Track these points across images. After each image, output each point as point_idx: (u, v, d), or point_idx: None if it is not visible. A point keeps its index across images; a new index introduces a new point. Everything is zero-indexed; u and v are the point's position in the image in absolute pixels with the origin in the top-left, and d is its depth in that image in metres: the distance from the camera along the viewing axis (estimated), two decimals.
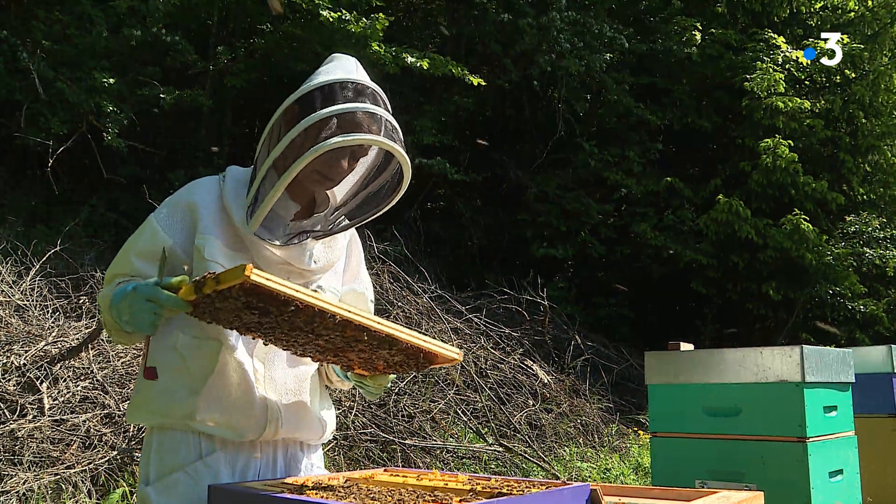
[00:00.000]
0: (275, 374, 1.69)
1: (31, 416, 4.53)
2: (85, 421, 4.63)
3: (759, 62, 10.26)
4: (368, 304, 1.91)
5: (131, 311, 1.49)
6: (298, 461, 1.77)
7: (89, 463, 4.37)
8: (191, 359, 1.62)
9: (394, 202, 1.70)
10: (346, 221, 1.73)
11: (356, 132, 1.52)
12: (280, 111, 1.58)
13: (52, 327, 5.36)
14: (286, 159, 1.53)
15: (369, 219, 1.73)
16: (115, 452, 4.50)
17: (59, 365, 4.98)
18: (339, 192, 1.79)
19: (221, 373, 1.62)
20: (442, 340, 7.92)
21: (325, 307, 1.37)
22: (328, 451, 5.32)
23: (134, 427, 4.66)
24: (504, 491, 1.40)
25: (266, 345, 1.57)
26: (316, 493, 1.41)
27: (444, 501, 1.33)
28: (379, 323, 1.44)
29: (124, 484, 4.27)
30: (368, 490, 1.47)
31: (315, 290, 1.66)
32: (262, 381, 1.67)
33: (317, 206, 1.77)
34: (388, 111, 1.60)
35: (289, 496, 1.34)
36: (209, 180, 1.74)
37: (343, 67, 1.64)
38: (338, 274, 1.83)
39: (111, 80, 7.26)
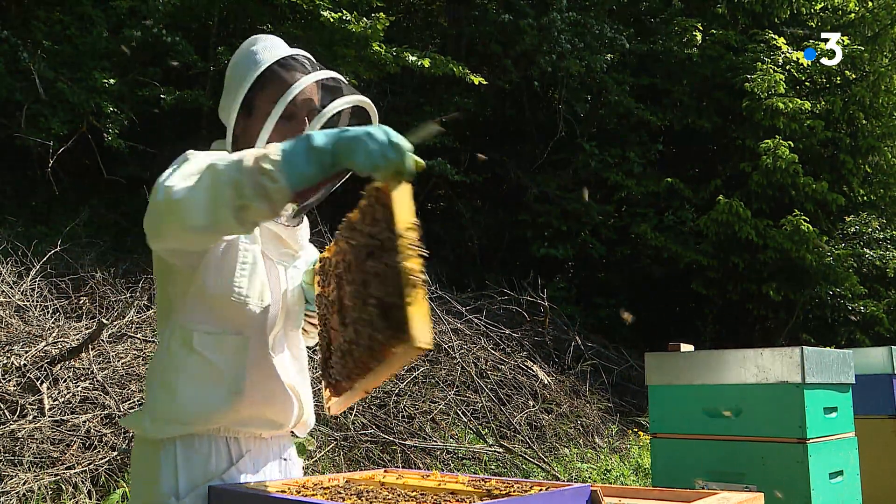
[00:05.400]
0: (284, 361, 1.68)
1: (31, 417, 4.53)
2: (85, 421, 4.63)
3: (759, 63, 10.27)
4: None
5: (347, 145, 1.23)
6: (285, 452, 1.75)
7: (89, 463, 4.37)
8: (216, 357, 1.54)
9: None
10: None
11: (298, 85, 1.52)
12: (236, 107, 1.56)
13: (53, 328, 5.36)
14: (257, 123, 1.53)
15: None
16: (115, 453, 4.50)
17: (59, 365, 4.98)
18: None
19: (256, 366, 1.56)
20: (442, 341, 7.84)
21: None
22: (328, 451, 5.32)
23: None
24: (504, 492, 1.39)
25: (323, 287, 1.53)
26: (316, 494, 1.41)
27: (444, 502, 1.33)
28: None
29: (124, 484, 4.27)
30: (369, 491, 1.47)
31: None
32: (279, 369, 1.64)
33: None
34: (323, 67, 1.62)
35: (288, 497, 1.34)
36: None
37: (267, 48, 1.63)
38: (306, 250, 1.82)
39: (111, 81, 7.26)
